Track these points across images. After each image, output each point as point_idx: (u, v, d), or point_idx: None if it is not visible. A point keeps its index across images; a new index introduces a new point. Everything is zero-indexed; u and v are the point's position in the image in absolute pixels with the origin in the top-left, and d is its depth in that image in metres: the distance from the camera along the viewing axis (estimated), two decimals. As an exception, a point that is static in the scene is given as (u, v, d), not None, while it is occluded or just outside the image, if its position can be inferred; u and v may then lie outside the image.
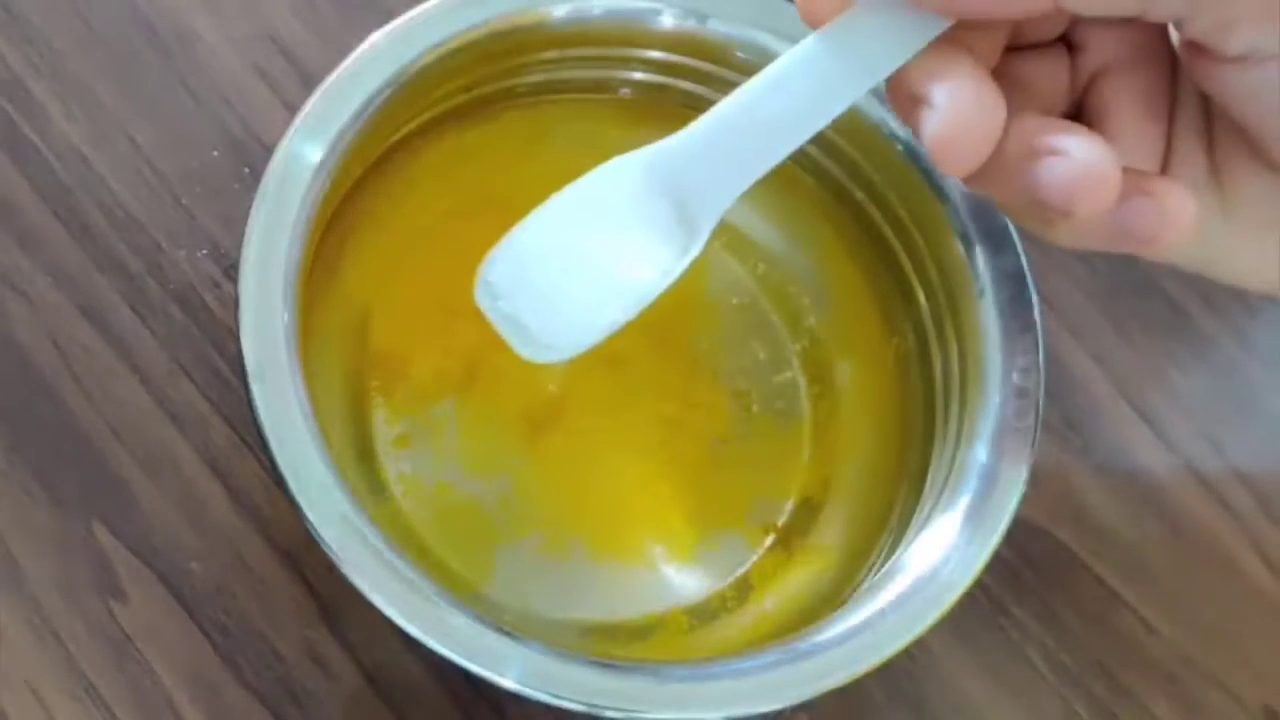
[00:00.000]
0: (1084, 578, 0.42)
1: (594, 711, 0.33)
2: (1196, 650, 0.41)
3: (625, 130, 0.42)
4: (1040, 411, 0.37)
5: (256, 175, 0.36)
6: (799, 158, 0.41)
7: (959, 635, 0.40)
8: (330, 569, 0.33)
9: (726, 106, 0.31)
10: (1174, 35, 0.32)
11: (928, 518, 0.37)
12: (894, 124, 0.39)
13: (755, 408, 0.41)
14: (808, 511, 0.40)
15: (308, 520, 0.33)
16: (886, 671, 0.35)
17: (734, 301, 0.41)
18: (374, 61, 0.37)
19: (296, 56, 0.44)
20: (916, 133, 0.30)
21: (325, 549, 0.33)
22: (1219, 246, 0.32)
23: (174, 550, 0.39)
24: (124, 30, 0.44)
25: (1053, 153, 0.29)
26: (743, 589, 0.39)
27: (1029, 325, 0.38)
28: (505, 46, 0.39)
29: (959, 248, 0.39)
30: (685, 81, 0.41)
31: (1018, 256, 0.38)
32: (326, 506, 0.34)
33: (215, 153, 0.43)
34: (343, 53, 0.37)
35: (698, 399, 0.40)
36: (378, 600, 0.33)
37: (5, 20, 0.43)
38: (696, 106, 0.41)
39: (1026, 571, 0.41)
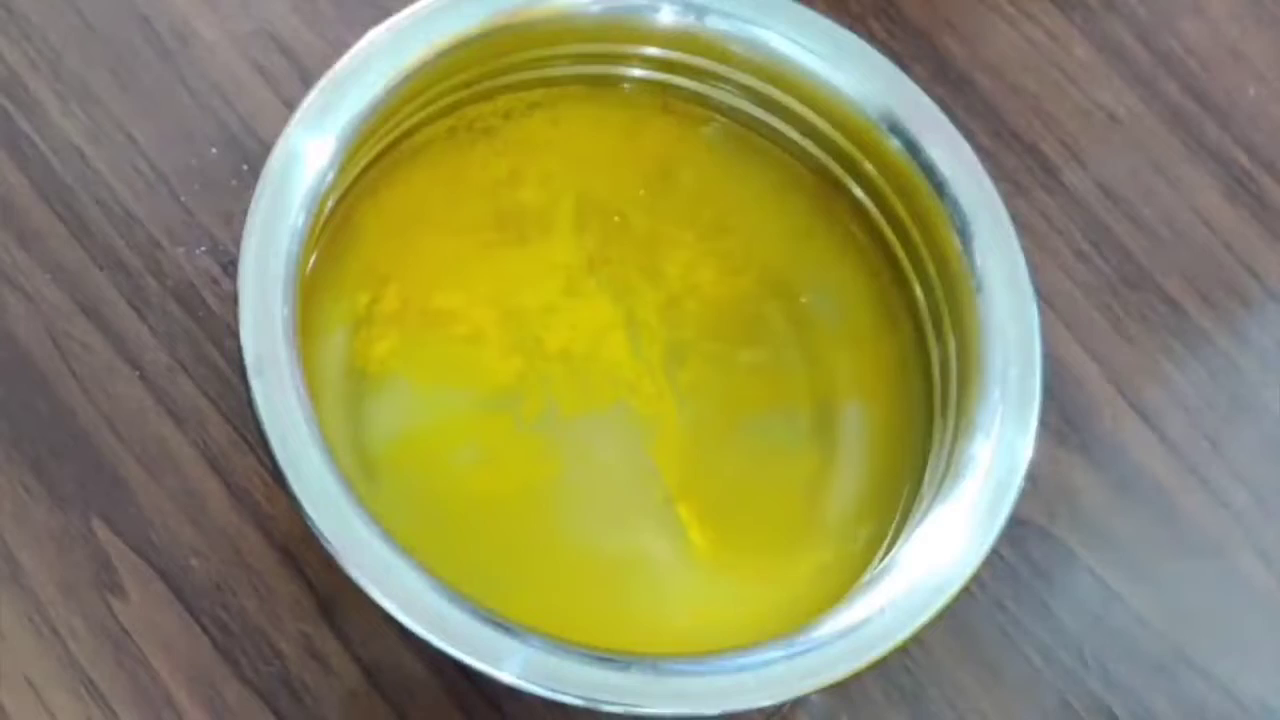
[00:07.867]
0: (1081, 574, 0.42)
1: (593, 706, 0.33)
2: (1193, 646, 0.41)
3: (624, 126, 0.42)
4: (1038, 408, 0.37)
5: (255, 172, 0.36)
6: (797, 153, 0.42)
7: (956, 632, 0.40)
8: (329, 565, 0.33)
9: None
10: None
11: (925, 514, 0.37)
12: (892, 120, 0.39)
13: (753, 404, 0.41)
14: (808, 507, 0.40)
15: (307, 516, 0.33)
16: (884, 668, 0.35)
17: (732, 298, 0.41)
18: (372, 58, 0.37)
19: (295, 53, 0.44)
20: None
21: (325, 544, 0.33)
22: None
23: (173, 546, 0.39)
24: (122, 27, 0.44)
25: None
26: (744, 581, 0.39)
27: (1027, 321, 0.38)
28: (503, 43, 0.39)
29: (957, 243, 0.39)
30: (684, 78, 0.41)
31: (1016, 252, 0.38)
32: (326, 502, 0.34)
33: (214, 150, 0.43)
34: (341, 49, 0.37)
35: (696, 395, 0.40)
36: (377, 595, 0.33)
37: (3, 17, 0.43)
38: (695, 103, 0.42)
39: (1023, 568, 0.41)
